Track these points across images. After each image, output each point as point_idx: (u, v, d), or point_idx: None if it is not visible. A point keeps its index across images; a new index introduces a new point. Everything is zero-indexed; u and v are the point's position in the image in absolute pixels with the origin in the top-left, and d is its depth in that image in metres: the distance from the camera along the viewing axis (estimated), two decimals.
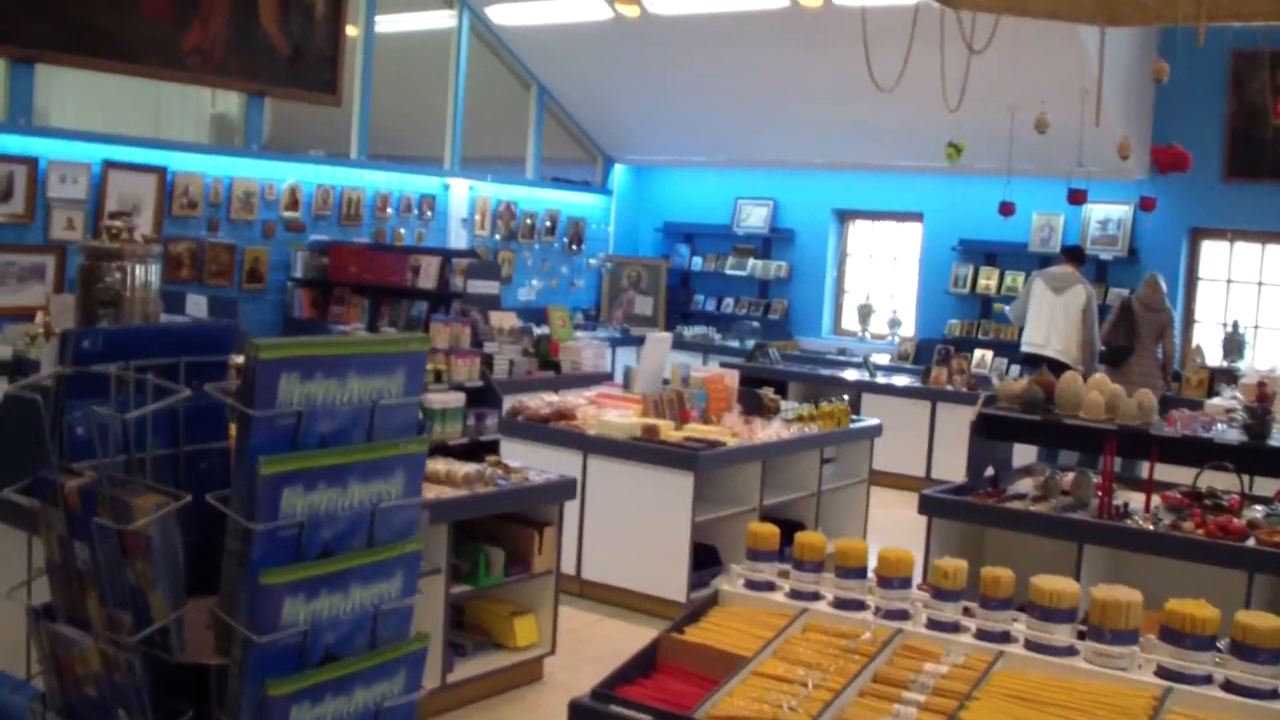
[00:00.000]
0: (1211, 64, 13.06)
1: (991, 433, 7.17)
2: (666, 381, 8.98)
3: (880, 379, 13.27)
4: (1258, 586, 6.08)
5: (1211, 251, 14.12)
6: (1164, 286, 11.87)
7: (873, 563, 3.86)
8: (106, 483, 2.77)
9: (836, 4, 12.54)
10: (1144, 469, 7.79)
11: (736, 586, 4.06)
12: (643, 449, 7.71)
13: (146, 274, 4.95)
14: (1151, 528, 6.42)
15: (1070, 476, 7.23)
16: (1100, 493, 6.69)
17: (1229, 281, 14.06)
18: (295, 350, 2.61)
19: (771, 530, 4.07)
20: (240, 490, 2.65)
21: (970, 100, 7.41)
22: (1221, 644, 3.53)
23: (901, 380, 13.36)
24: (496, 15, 14.95)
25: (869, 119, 13.78)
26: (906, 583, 3.77)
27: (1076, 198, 8.81)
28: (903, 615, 3.71)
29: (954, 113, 7.37)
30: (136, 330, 3.50)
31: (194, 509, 2.73)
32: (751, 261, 16.46)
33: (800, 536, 3.98)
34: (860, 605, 3.80)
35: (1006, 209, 10.56)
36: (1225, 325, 13.46)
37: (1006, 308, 13.81)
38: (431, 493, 5.90)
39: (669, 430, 7.93)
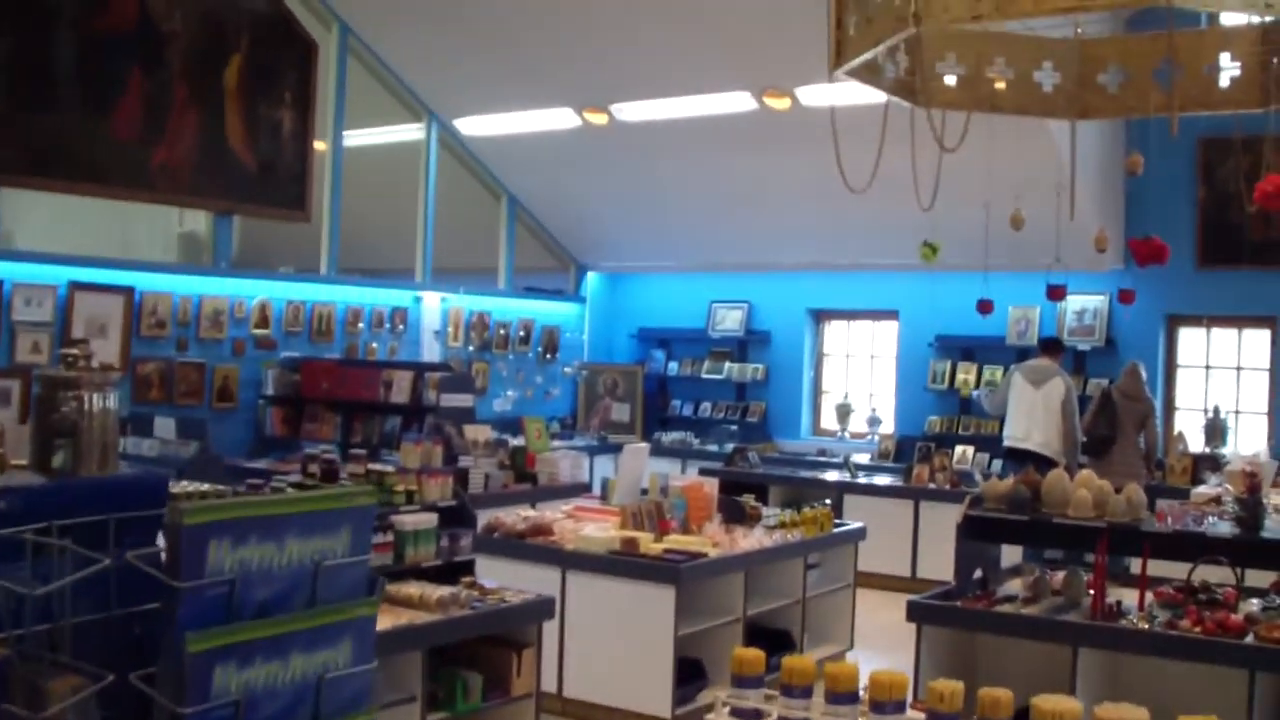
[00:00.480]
0: (1180, 152, 13.11)
1: (979, 534, 7.04)
2: (645, 491, 8.83)
3: (862, 479, 13.15)
4: (1260, 685, 5.93)
5: (1189, 338, 14.10)
6: (1144, 375, 11.81)
7: (864, 681, 3.71)
8: (19, 660, 2.54)
9: (804, 105, 12.58)
10: (1132, 562, 7.67)
11: (722, 715, 3.89)
12: (622, 563, 7.55)
13: (105, 402, 4.80)
14: (1147, 627, 6.28)
15: (1061, 575, 7.10)
16: (1093, 592, 6.56)
17: (1207, 367, 14.02)
18: (226, 513, 2.38)
19: (756, 655, 3.90)
20: (167, 670, 2.42)
21: (944, 197, 7.34)
22: None
23: (883, 480, 13.23)
24: (465, 127, 14.97)
25: (841, 219, 13.78)
26: (901, 706, 3.60)
27: (1056, 294, 8.76)
28: None
29: (928, 211, 7.30)
30: (60, 487, 3.25)
31: (122, 685, 2.50)
32: (728, 364, 16.38)
33: (788, 661, 3.82)
34: None
35: (984, 307, 10.51)
36: (1206, 411, 13.40)
37: (976, 392, 13.76)
38: (405, 618, 5.74)
39: (649, 542, 7.77)
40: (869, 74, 6.51)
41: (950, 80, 6.93)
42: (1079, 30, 7.25)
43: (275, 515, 2.46)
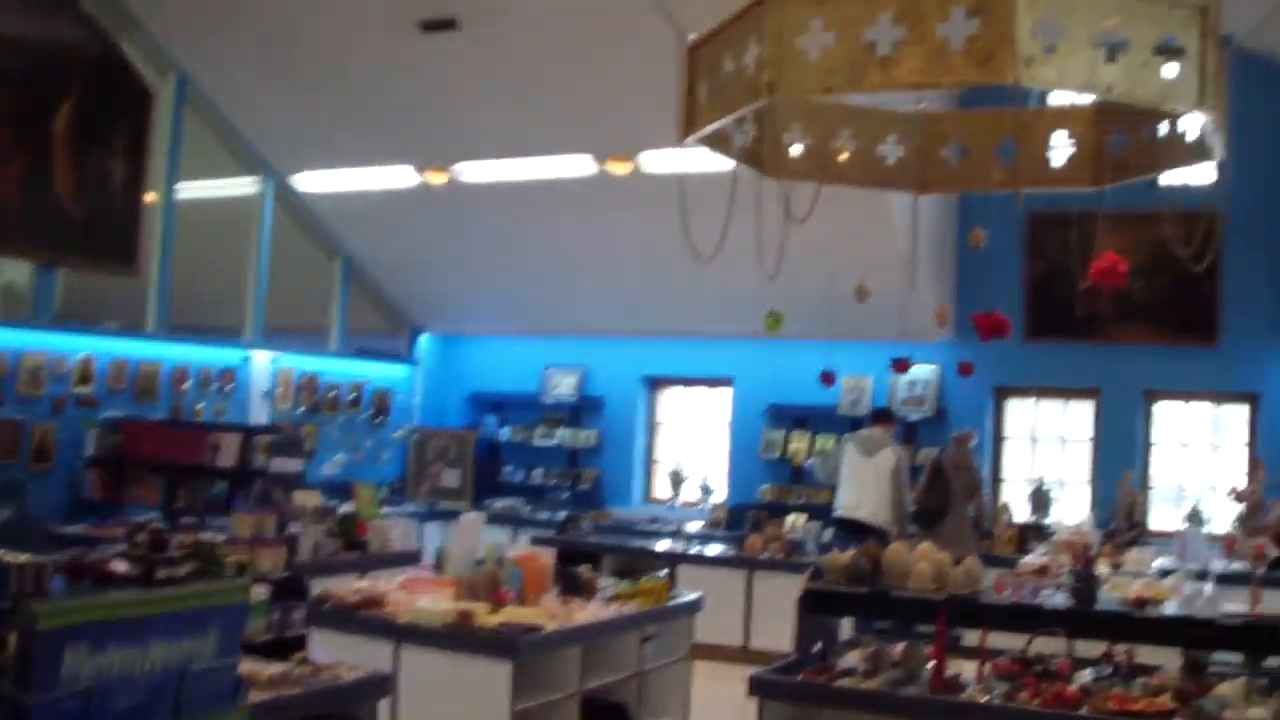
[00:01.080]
0: (1010, 226, 13.40)
1: (819, 607, 7.00)
2: (480, 562, 8.64)
3: (695, 548, 13.09)
4: None
5: (1016, 409, 14.40)
6: (974, 444, 11.98)
7: None
8: None
9: (645, 172, 12.60)
10: (964, 633, 7.71)
11: None
12: (457, 636, 7.35)
13: None
14: (986, 700, 6.28)
15: (900, 648, 7.08)
16: (932, 665, 6.55)
17: (1034, 438, 14.33)
18: (85, 615, 2.14)
19: None
20: None
21: (787, 267, 7.36)
22: None
23: (716, 548, 13.19)
24: (302, 183, 14.72)
25: (681, 285, 13.77)
26: None
27: (900, 366, 8.84)
28: None
29: (772, 280, 7.30)
30: None
31: None
32: (561, 431, 16.26)
33: None
34: None
35: (828, 379, 10.58)
36: (1031, 481, 13.68)
37: (809, 461, 13.86)
38: None
39: (484, 615, 7.57)
40: (717, 142, 6.51)
41: (797, 151, 6.97)
42: (922, 104, 7.36)
43: (140, 616, 2.24)
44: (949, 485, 11.71)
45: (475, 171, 13.72)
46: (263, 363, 14.34)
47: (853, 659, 7.28)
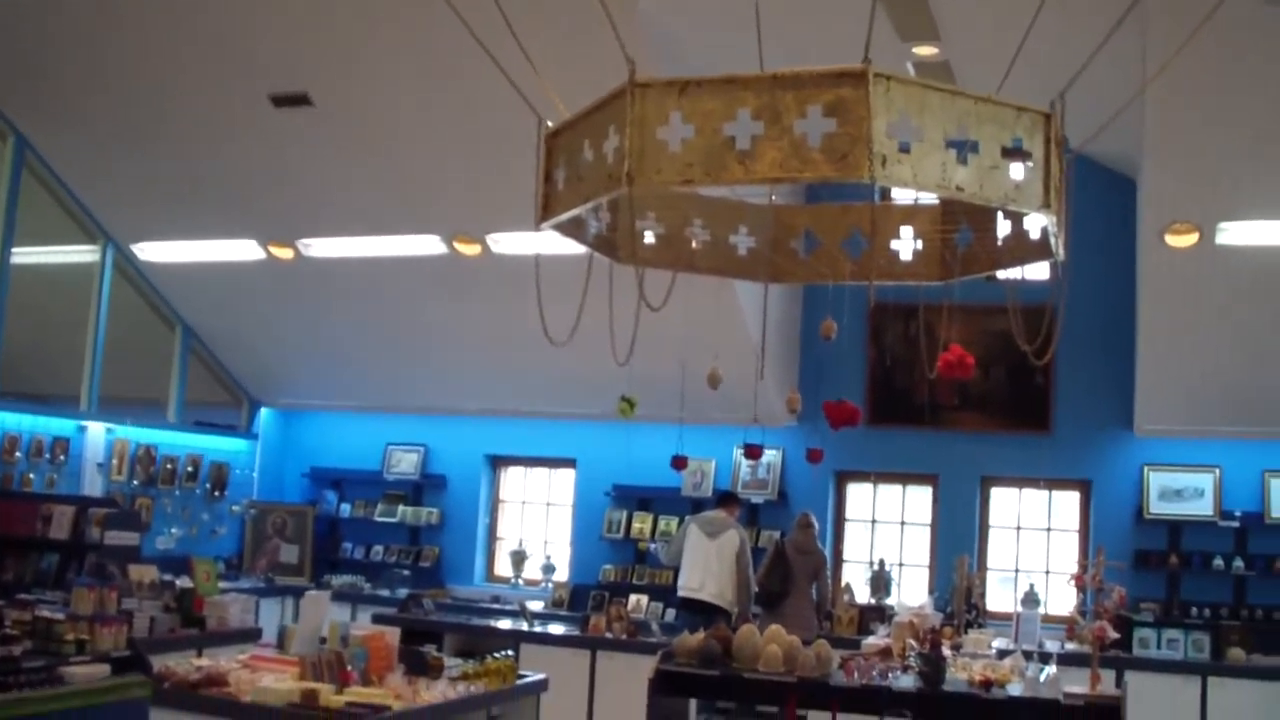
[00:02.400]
0: (853, 315, 13.67)
1: (669, 689, 7.03)
2: (324, 640, 8.52)
3: (537, 628, 13.03)
4: None
5: (856, 493, 14.66)
6: (816, 527, 12.14)
7: None
8: None
9: (495, 253, 12.64)
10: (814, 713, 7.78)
11: None
12: (302, 717, 7.21)
13: None
14: None
15: None
16: None
17: (873, 521, 14.59)
18: None
19: None
20: None
21: (636, 352, 7.43)
22: None
23: (558, 628, 13.15)
24: (143, 253, 14.48)
25: (528, 367, 13.84)
26: None
27: (753, 453, 8.93)
28: None
29: (623, 365, 7.36)
30: None
31: None
32: (402, 508, 16.12)
33: None
34: None
35: (679, 463, 10.64)
36: (871, 564, 13.91)
37: (653, 545, 13.91)
38: None
39: (329, 695, 7.44)
40: (572, 228, 6.54)
41: (651, 239, 7.05)
42: (773, 197, 7.49)
43: (44, 714, 2.20)
44: (790, 567, 11.85)
45: (322, 247, 13.64)
46: (98, 433, 14.03)
47: None
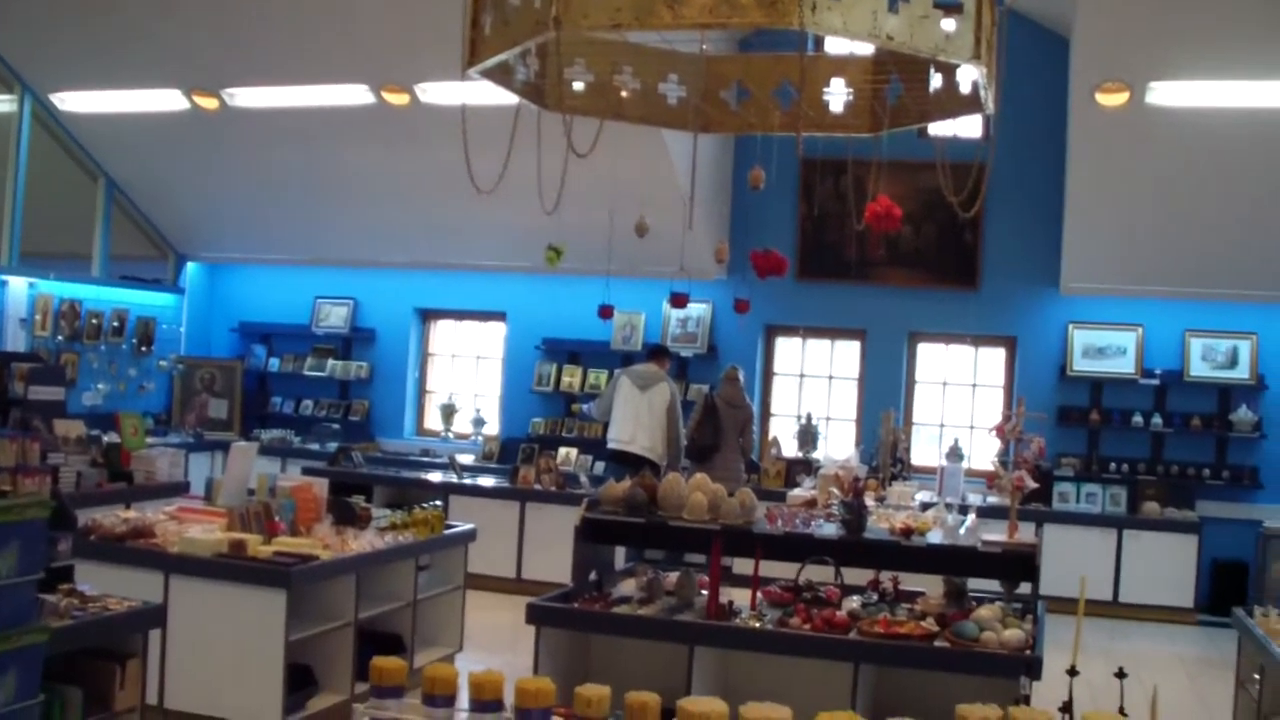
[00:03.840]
0: (784, 170, 13.64)
1: (595, 536, 7.10)
2: (252, 492, 8.53)
3: (467, 480, 13.09)
4: (863, 676, 6.24)
5: (785, 347, 14.76)
6: (743, 380, 12.21)
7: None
8: None
9: (424, 102, 12.46)
10: (734, 562, 7.89)
11: None
12: (230, 566, 7.25)
13: None
14: (759, 625, 6.48)
15: (674, 576, 7.24)
16: (706, 592, 6.72)
17: (802, 375, 14.71)
18: None
19: (398, 665, 3.79)
20: None
21: (567, 202, 7.39)
22: None
23: (488, 480, 13.21)
24: (62, 102, 14.15)
25: (458, 219, 13.74)
26: (497, 706, 3.58)
27: (678, 301, 8.93)
28: None
29: (550, 215, 7.32)
30: None
31: None
32: (331, 362, 16.06)
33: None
34: None
35: (605, 312, 10.61)
36: (799, 418, 14.04)
37: (585, 407, 13.95)
38: None
39: (257, 545, 7.49)
40: (500, 75, 6.45)
41: (579, 86, 6.96)
42: (705, 46, 7.41)
43: None
44: (720, 420, 11.92)
45: (247, 97, 13.39)
46: (19, 288, 13.83)
47: (628, 587, 7.42)
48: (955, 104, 6.73)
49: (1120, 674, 3.64)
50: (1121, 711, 3.44)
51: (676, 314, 14.49)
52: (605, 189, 9.55)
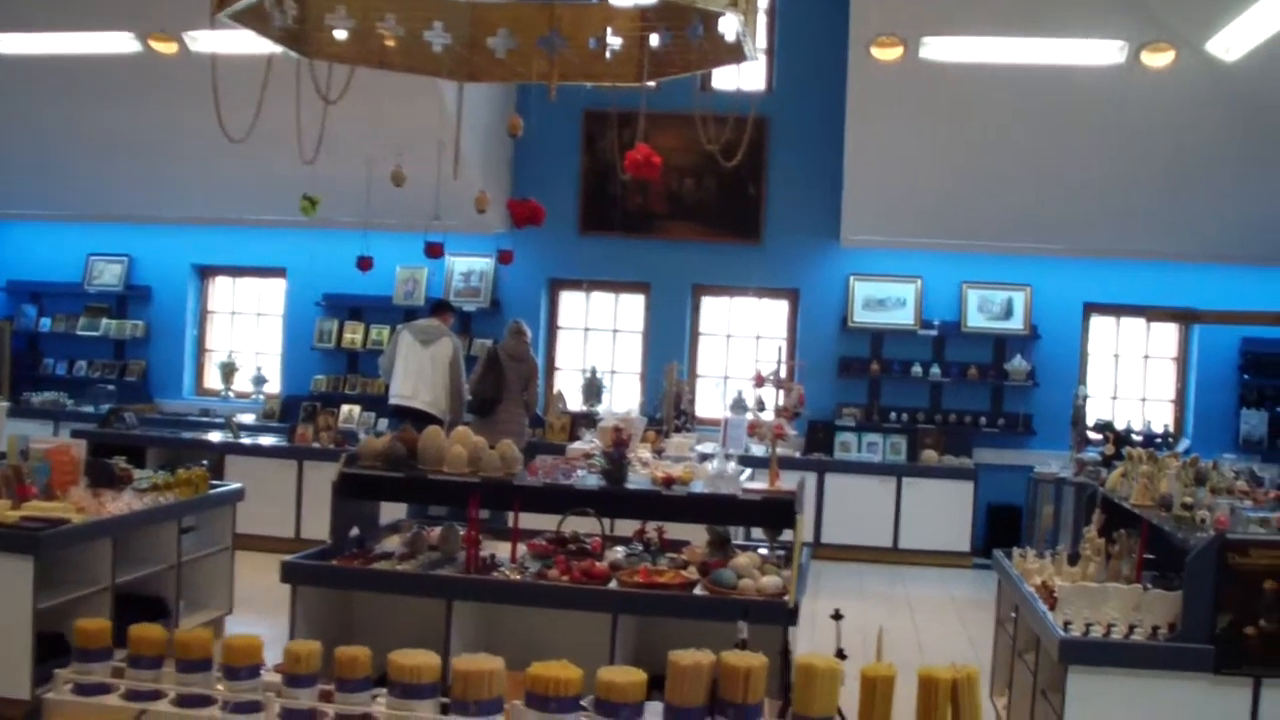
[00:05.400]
0: (566, 122, 13.62)
1: (355, 492, 6.96)
2: (3, 455, 8.18)
3: (246, 439, 12.79)
4: (621, 626, 6.21)
5: (569, 301, 14.71)
6: (528, 334, 12.14)
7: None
8: None
9: (193, 51, 12.07)
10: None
11: (64, 694, 3.59)
12: None
13: None
14: (519, 577, 6.43)
15: (438, 531, 7.14)
16: (467, 546, 6.64)
17: (586, 329, 14.69)
18: None
19: (101, 625, 3.63)
20: None
21: (328, 153, 7.20)
22: (586, 701, 3.43)
23: (268, 440, 12.93)
24: None
25: (226, 172, 13.37)
26: (255, 671, 3.45)
27: (433, 251, 8.80)
28: (254, 708, 3.39)
29: (311, 165, 7.14)
30: None
31: None
32: (105, 321, 15.52)
33: (134, 630, 3.57)
34: (206, 701, 3.44)
35: (364, 264, 10.43)
36: (584, 371, 14.03)
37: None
38: None
39: (6, 510, 7.19)
40: (256, 21, 6.23)
41: (341, 34, 6.77)
42: None
43: None
44: (504, 374, 11.81)
45: (10, 44, 12.81)
46: None
47: (392, 543, 7.30)
48: (720, 53, 6.69)
49: (836, 615, 3.66)
50: (840, 653, 3.45)
51: (459, 269, 14.34)
52: (377, 139, 9.38)
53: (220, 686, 3.47)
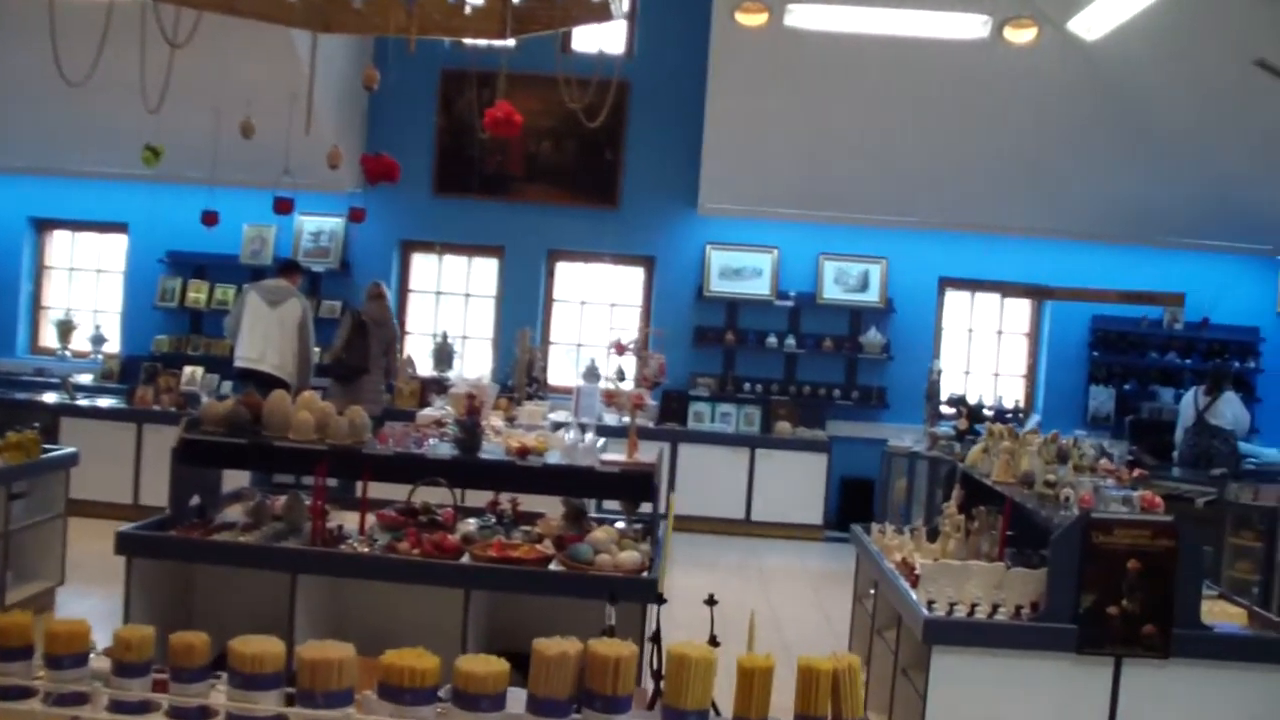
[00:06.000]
0: (424, 82, 13.28)
1: (196, 458, 6.63)
2: None
3: (82, 401, 12.29)
4: (474, 602, 5.98)
5: (421, 264, 14.39)
6: (389, 296, 11.84)
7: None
8: None
9: None
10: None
11: None
12: None
13: None
14: (368, 550, 6.17)
15: (282, 500, 6.85)
16: (313, 517, 6.36)
17: (438, 293, 14.39)
18: None
19: None
20: None
21: (174, 102, 6.86)
22: (444, 691, 3.21)
23: (106, 402, 12.45)
24: None
25: (64, 120, 12.78)
26: (82, 660, 3.16)
27: (282, 207, 8.47)
28: (79, 700, 3.11)
29: (155, 114, 6.79)
30: None
31: None
32: None
33: None
34: (26, 693, 3.15)
35: (209, 218, 10.04)
36: (435, 336, 13.73)
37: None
38: None
39: None
40: None
41: None
42: None
43: None
44: (369, 340, 11.47)
45: None
46: None
47: (234, 513, 6.98)
48: (585, 11, 6.49)
49: (710, 601, 3.49)
50: (713, 640, 3.28)
51: (309, 229, 13.94)
52: (226, 89, 9.02)
53: (41, 675, 3.18)
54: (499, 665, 3.09)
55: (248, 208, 12.98)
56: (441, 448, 6.68)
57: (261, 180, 10.29)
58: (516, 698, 3.15)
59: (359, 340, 11.43)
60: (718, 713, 3.10)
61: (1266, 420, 13.70)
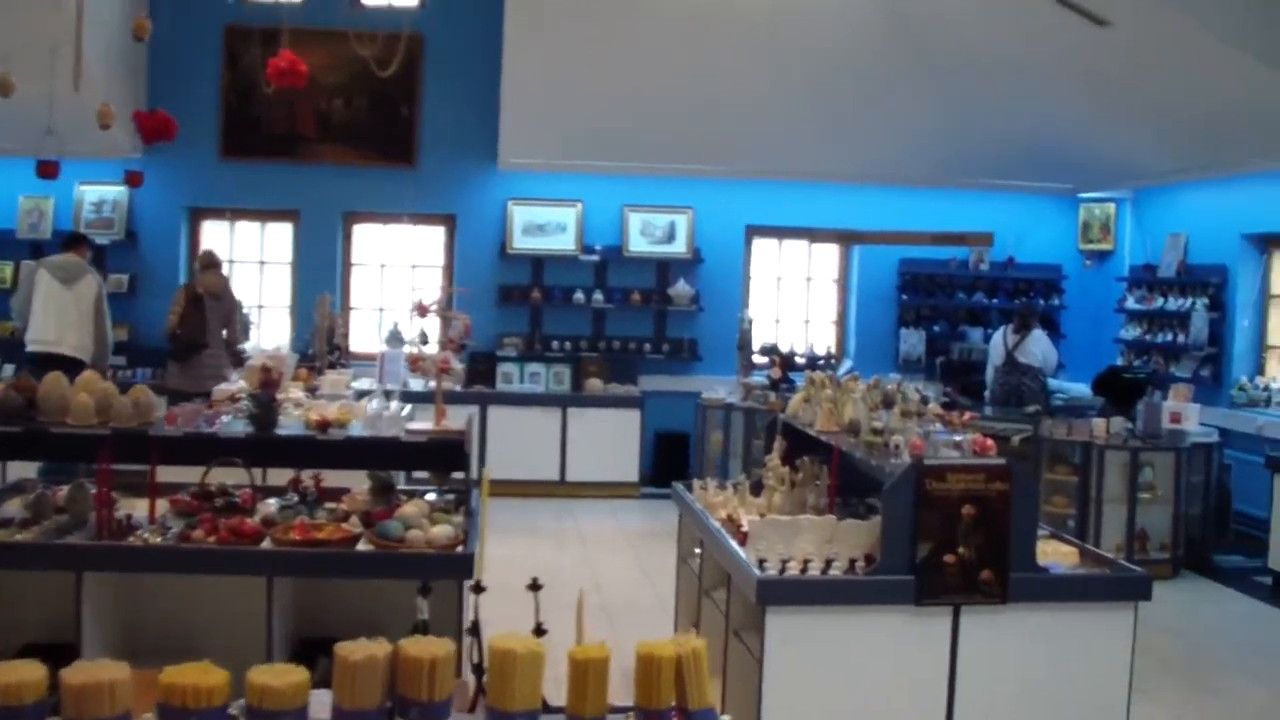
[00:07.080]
0: (207, 38, 12.63)
1: None
2: None
3: None
4: (278, 589, 5.52)
5: (212, 231, 13.74)
6: (223, 264, 11.26)
7: None
8: None
9: None
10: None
11: None
12: None
13: None
14: (159, 540, 5.68)
15: (64, 491, 6.31)
16: (98, 507, 5.85)
17: (230, 261, 13.73)
18: None
19: None
20: None
21: None
22: (236, 708, 2.83)
23: None
24: None
25: None
26: None
27: (46, 170, 7.86)
28: None
29: None
30: None
31: None
32: None
33: None
34: None
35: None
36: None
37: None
38: None
39: None
40: None
41: None
42: None
43: None
44: (205, 314, 10.82)
45: None
46: None
47: (13, 507, 6.42)
48: None
49: (534, 586, 3.16)
50: (538, 629, 2.96)
51: (90, 198, 13.17)
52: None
53: None
54: (298, 675, 2.72)
55: (17, 177, 12.18)
56: (235, 425, 6.23)
57: (27, 147, 9.58)
58: (321, 701, 2.80)
59: (195, 314, 10.80)
60: (547, 709, 2.78)
61: (1071, 356, 13.85)
